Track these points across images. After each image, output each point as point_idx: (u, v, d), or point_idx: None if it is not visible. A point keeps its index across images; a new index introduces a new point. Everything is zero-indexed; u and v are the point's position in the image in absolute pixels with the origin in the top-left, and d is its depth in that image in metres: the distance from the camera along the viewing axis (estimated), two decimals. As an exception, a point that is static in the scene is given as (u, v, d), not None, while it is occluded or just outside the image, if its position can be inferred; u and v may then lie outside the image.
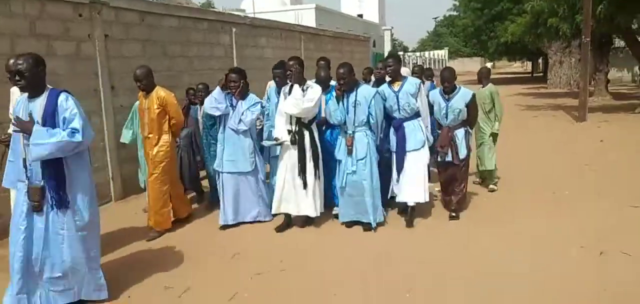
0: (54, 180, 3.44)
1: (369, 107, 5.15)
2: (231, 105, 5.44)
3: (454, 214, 5.69)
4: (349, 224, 5.44)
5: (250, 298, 3.94)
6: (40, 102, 3.46)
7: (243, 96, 5.45)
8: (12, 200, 4.17)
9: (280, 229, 5.42)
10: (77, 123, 3.42)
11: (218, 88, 5.41)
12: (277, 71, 5.81)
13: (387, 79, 5.66)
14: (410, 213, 5.49)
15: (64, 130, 3.41)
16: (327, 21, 27.77)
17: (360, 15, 42.02)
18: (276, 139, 5.31)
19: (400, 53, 37.28)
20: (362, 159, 5.19)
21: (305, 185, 5.21)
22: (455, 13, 44.19)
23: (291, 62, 5.23)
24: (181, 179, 6.16)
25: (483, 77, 6.91)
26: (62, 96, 3.48)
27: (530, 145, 10.41)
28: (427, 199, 5.47)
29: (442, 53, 51.21)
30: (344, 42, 17.07)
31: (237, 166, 5.49)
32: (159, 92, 5.32)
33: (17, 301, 3.51)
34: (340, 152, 5.38)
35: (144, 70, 5.28)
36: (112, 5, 6.97)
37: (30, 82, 3.43)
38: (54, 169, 3.44)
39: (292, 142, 5.19)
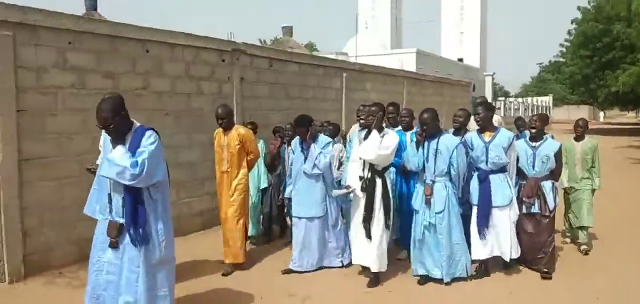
0: (133, 217, 3.46)
1: (450, 157, 4.94)
2: (302, 150, 5.48)
3: (546, 271, 5.30)
4: (422, 280, 5.13)
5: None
6: (128, 139, 3.53)
7: (314, 138, 5.48)
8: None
9: (371, 284, 5.11)
10: (143, 156, 3.42)
11: (296, 139, 5.62)
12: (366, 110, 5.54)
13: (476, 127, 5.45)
14: (505, 263, 5.32)
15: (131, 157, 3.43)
16: (427, 65, 28.27)
17: (461, 59, 41.91)
18: (347, 187, 5.19)
19: (502, 99, 36.46)
20: (440, 213, 4.95)
21: (368, 235, 4.98)
22: (562, 59, 42.54)
23: (374, 108, 5.09)
24: (269, 218, 6.62)
25: (582, 128, 6.38)
26: (148, 133, 3.54)
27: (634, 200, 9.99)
28: (518, 255, 5.29)
29: (546, 100, 49.24)
30: (445, 86, 17.46)
31: (308, 210, 5.43)
32: (239, 129, 5.59)
33: None
34: (417, 202, 5.13)
35: (226, 109, 5.56)
36: (248, 52, 8.13)
37: (118, 128, 3.48)
38: (133, 205, 3.48)
39: (363, 189, 5.00)
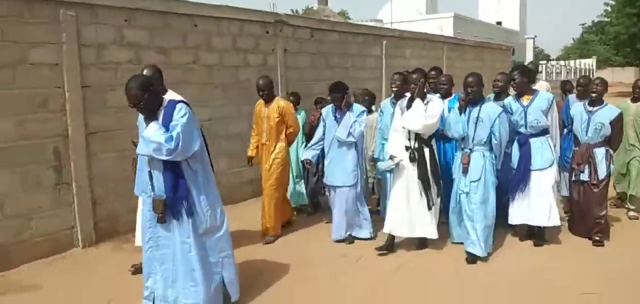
0: (173, 190, 3.51)
1: (492, 126, 4.81)
2: (335, 118, 5.42)
3: (598, 238, 5.20)
4: (468, 258, 4.99)
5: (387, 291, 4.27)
6: (160, 115, 3.54)
7: (348, 106, 5.42)
8: (139, 210, 4.41)
9: (382, 250, 5.13)
10: (177, 130, 3.43)
11: (328, 107, 5.59)
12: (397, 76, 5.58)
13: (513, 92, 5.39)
14: (539, 234, 5.23)
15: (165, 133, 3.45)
16: (465, 29, 27.70)
17: (499, 23, 40.77)
18: (392, 157, 4.99)
19: (543, 62, 35.42)
20: (475, 181, 4.85)
21: (430, 205, 4.92)
22: (606, 19, 40.81)
23: (415, 75, 5.05)
24: (312, 189, 6.56)
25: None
26: (178, 106, 3.54)
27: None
28: (559, 223, 5.14)
29: (590, 62, 47.43)
30: (485, 51, 17.14)
31: (340, 179, 5.41)
32: (279, 102, 5.59)
33: None
34: (454, 170, 5.12)
35: (267, 80, 5.55)
36: (291, 23, 8.25)
37: (148, 108, 3.50)
38: (172, 179, 3.52)
39: (412, 159, 4.88)
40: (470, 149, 4.89)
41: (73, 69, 5.30)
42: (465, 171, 4.89)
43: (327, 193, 5.89)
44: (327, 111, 5.55)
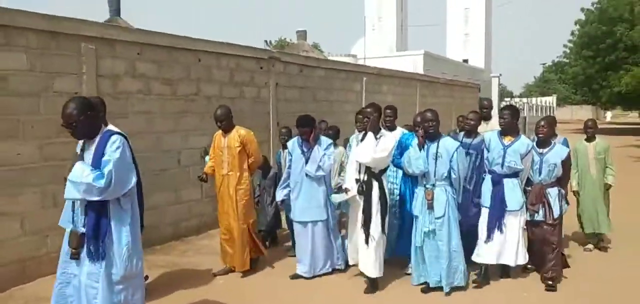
0: (93, 228, 3.25)
1: (451, 161, 4.85)
2: (302, 152, 5.32)
3: (550, 283, 5.15)
4: (425, 288, 5.03)
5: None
6: (94, 144, 3.34)
7: (316, 140, 5.36)
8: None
9: (368, 291, 5.04)
10: (109, 167, 3.21)
11: (294, 139, 5.49)
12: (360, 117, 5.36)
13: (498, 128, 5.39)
14: (507, 273, 5.33)
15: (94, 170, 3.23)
16: (434, 67, 28.94)
17: (466, 60, 42.61)
18: (346, 190, 5.01)
19: (507, 99, 37.06)
20: (439, 218, 4.83)
21: (367, 240, 4.89)
22: (565, 60, 43.20)
23: (369, 110, 5.02)
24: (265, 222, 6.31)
25: (592, 129, 6.45)
26: (112, 138, 3.33)
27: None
28: (526, 261, 5.28)
29: (550, 100, 49.86)
30: (455, 88, 18.19)
31: (312, 214, 5.31)
32: (240, 130, 5.39)
33: None
34: (417, 207, 5.01)
35: (224, 110, 5.37)
36: (282, 59, 8.89)
37: (81, 131, 3.30)
38: (95, 216, 3.26)
39: (359, 192, 4.89)
40: (433, 185, 4.88)
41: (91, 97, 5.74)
42: (430, 207, 4.86)
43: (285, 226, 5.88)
44: (293, 144, 5.45)
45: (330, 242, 5.46)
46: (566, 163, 5.33)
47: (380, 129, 5.04)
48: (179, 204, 6.97)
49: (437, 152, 4.85)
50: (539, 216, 5.25)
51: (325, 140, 5.43)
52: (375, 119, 4.94)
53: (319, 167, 5.25)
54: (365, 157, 4.84)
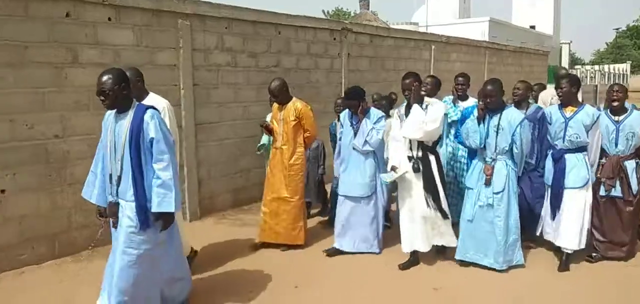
0: (133, 198, 3.34)
1: (513, 135, 4.54)
2: (352, 124, 5.13)
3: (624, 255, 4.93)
4: (466, 263, 4.81)
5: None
6: (127, 120, 3.37)
7: (365, 113, 5.07)
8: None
9: (405, 266, 4.84)
10: (163, 145, 3.35)
11: (345, 111, 5.30)
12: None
13: (557, 102, 5.13)
14: (565, 261, 4.85)
15: (152, 153, 3.34)
16: (500, 33, 28.16)
17: (533, 26, 40.91)
18: (393, 168, 4.70)
19: (578, 67, 35.42)
20: (498, 193, 4.58)
21: (444, 215, 4.71)
22: (642, 24, 40.57)
23: (408, 80, 4.66)
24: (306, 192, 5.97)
25: None
26: (148, 114, 3.37)
27: None
28: (583, 246, 4.85)
29: (624, 67, 47.04)
30: (523, 56, 17.72)
31: (355, 189, 5.11)
32: (296, 103, 5.27)
33: None
34: (471, 179, 4.79)
35: (279, 83, 5.23)
36: (353, 30, 9.13)
37: (113, 102, 3.35)
38: (133, 184, 3.34)
39: (415, 170, 4.62)
40: (493, 159, 4.63)
41: (187, 69, 6.28)
42: (487, 183, 4.63)
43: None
44: (344, 116, 5.27)
45: (372, 222, 5.17)
46: None
47: (423, 98, 4.71)
48: (262, 169, 7.48)
49: (498, 124, 4.55)
50: (616, 192, 4.86)
51: (375, 112, 5.10)
52: (417, 88, 4.63)
53: (366, 142, 4.98)
54: (416, 132, 4.54)
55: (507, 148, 4.58)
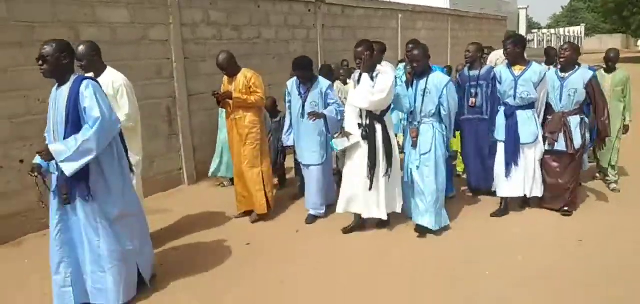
0: (77, 174, 3.28)
1: (440, 97, 4.68)
2: (300, 94, 5.22)
3: (566, 209, 5.17)
4: (418, 229, 4.91)
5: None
6: (65, 90, 3.34)
7: (313, 81, 5.19)
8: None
9: (347, 230, 4.99)
10: (96, 112, 3.27)
11: (292, 80, 5.35)
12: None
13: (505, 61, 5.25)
14: (528, 204, 5.32)
15: (86, 123, 3.29)
16: (461, 0, 28.94)
17: (492, -8, 41.92)
18: (347, 135, 4.73)
19: (534, 31, 36.73)
20: (425, 154, 4.73)
21: (371, 186, 4.67)
22: (594, -13, 42.25)
23: (360, 49, 4.56)
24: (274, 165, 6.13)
25: (612, 60, 6.12)
26: (83, 84, 3.31)
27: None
28: (539, 194, 5.20)
29: (578, 30, 48.95)
30: (483, 21, 18.61)
31: (308, 158, 5.31)
32: (246, 73, 5.23)
33: (62, 294, 3.55)
34: (406, 144, 4.95)
35: (226, 55, 5.15)
36: (327, 2, 9.66)
37: (52, 68, 3.31)
38: None
39: (363, 137, 4.65)
40: (419, 122, 4.79)
41: (178, 44, 6.71)
42: (414, 145, 4.79)
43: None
44: (292, 85, 5.33)
45: (329, 183, 5.49)
46: (592, 87, 5.02)
47: (375, 66, 4.67)
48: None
49: (425, 88, 4.70)
50: (559, 146, 5.06)
51: (324, 82, 5.22)
52: (368, 57, 4.54)
53: (339, 121, 5.03)
54: (363, 101, 4.54)
55: (433, 111, 4.71)
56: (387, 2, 12.22)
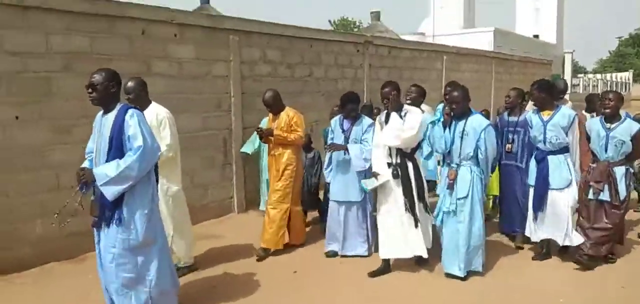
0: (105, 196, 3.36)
1: (477, 140, 4.62)
2: (343, 130, 5.25)
3: (611, 256, 5.17)
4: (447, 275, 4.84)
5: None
6: (111, 117, 3.45)
7: (356, 119, 5.24)
8: None
9: (375, 274, 4.90)
10: (139, 141, 3.36)
11: (336, 118, 5.46)
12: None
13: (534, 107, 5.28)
14: (544, 253, 5.24)
15: (129, 149, 3.39)
16: (504, 43, 29.00)
17: (536, 36, 41.78)
18: (375, 175, 4.79)
19: (580, 76, 36.15)
20: (462, 199, 4.65)
21: (416, 223, 4.72)
22: (644, 32, 41.43)
23: (387, 89, 4.75)
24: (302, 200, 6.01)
25: None
26: (128, 113, 3.42)
27: None
28: (575, 243, 4.95)
29: (626, 76, 47.78)
30: (528, 65, 18.61)
31: (346, 194, 5.25)
32: (289, 112, 5.44)
33: None
34: (440, 186, 4.92)
35: (272, 93, 5.43)
36: (374, 43, 10.03)
37: (101, 96, 3.44)
38: None
39: (395, 176, 4.71)
40: (457, 165, 4.73)
41: (237, 79, 7.18)
42: (450, 187, 4.72)
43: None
44: (335, 122, 5.42)
45: (362, 227, 5.37)
46: (636, 139, 4.99)
47: (402, 106, 4.84)
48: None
49: (464, 130, 4.66)
50: (604, 196, 5.00)
51: (366, 120, 5.27)
52: (395, 97, 4.73)
53: (365, 160, 5.06)
54: (394, 139, 4.67)
55: (471, 154, 4.65)
56: (432, 44, 12.51)
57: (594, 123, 5.25)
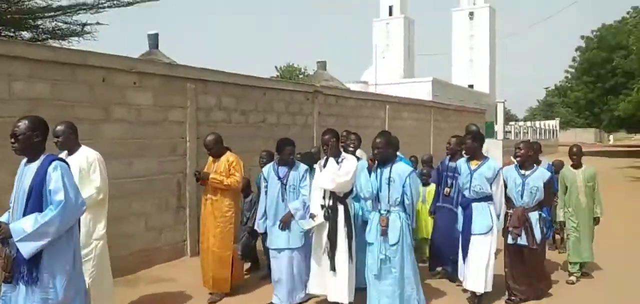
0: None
1: (403, 186, 4.70)
2: (278, 177, 5.30)
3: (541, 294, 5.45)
4: None
5: None
6: (33, 167, 3.27)
7: (292, 165, 5.32)
8: None
9: None
10: (61, 195, 3.18)
11: (269, 166, 5.50)
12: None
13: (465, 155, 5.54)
14: (477, 302, 5.26)
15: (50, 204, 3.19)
16: (442, 92, 30.74)
17: (471, 86, 44.39)
18: (312, 216, 5.03)
19: (512, 123, 38.60)
20: (393, 245, 4.69)
21: (333, 266, 4.89)
22: (567, 84, 45.02)
23: (327, 136, 5.06)
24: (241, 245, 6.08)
25: (577, 155, 6.28)
26: (52, 165, 3.24)
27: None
28: (489, 289, 5.18)
29: (554, 123, 51.40)
30: (464, 113, 19.88)
31: (286, 241, 5.23)
32: (229, 157, 5.48)
33: None
34: (370, 234, 4.86)
35: (214, 137, 5.50)
36: (323, 92, 10.61)
37: (22, 146, 3.27)
38: None
39: (326, 218, 4.93)
40: (387, 211, 4.76)
41: (193, 125, 7.45)
42: (384, 233, 4.72)
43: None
44: (268, 170, 5.44)
45: (300, 272, 5.32)
46: (548, 186, 5.36)
47: (340, 152, 5.14)
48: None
49: (390, 177, 4.73)
50: (522, 240, 5.26)
51: (302, 166, 5.39)
52: (334, 143, 5.05)
53: (306, 207, 5.18)
54: (328, 182, 4.93)
55: (399, 199, 4.73)
56: (376, 94, 13.29)
57: (510, 171, 5.53)
